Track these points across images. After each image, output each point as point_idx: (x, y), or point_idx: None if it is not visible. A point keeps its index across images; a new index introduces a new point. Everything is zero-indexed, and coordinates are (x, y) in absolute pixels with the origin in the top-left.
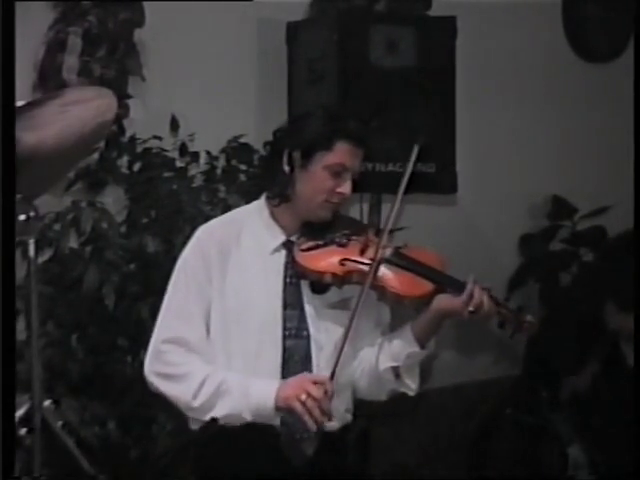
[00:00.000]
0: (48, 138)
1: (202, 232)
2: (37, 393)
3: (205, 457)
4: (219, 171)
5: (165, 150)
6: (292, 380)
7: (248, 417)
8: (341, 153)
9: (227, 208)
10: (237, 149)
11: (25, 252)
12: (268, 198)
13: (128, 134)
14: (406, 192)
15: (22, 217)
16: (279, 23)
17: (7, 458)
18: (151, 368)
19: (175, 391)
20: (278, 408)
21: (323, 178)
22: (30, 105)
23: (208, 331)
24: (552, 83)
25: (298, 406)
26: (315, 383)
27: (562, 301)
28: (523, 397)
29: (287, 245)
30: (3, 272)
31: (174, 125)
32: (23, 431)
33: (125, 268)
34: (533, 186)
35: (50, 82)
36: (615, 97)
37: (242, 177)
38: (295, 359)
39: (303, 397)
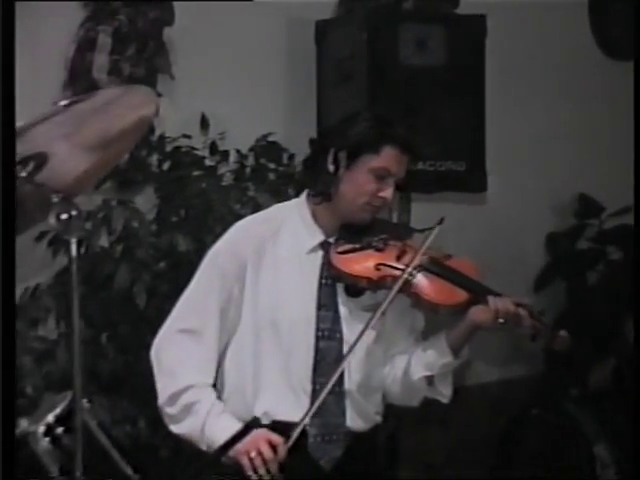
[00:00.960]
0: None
1: (237, 229)
2: (78, 392)
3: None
4: (248, 170)
5: (195, 149)
6: (250, 434)
7: (204, 448)
8: (387, 158)
9: (257, 206)
10: (266, 147)
11: (67, 251)
12: (309, 196)
13: (157, 133)
14: (436, 191)
15: (64, 216)
16: (308, 22)
17: (7, 458)
18: (155, 349)
19: (161, 384)
20: (227, 455)
21: (367, 181)
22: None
23: (232, 328)
24: (578, 81)
25: (245, 462)
26: (269, 443)
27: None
28: (548, 396)
29: (324, 246)
30: (3, 271)
31: (204, 124)
32: (60, 430)
33: (155, 267)
34: (560, 184)
35: (80, 81)
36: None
37: (271, 176)
38: (327, 361)
39: (253, 454)
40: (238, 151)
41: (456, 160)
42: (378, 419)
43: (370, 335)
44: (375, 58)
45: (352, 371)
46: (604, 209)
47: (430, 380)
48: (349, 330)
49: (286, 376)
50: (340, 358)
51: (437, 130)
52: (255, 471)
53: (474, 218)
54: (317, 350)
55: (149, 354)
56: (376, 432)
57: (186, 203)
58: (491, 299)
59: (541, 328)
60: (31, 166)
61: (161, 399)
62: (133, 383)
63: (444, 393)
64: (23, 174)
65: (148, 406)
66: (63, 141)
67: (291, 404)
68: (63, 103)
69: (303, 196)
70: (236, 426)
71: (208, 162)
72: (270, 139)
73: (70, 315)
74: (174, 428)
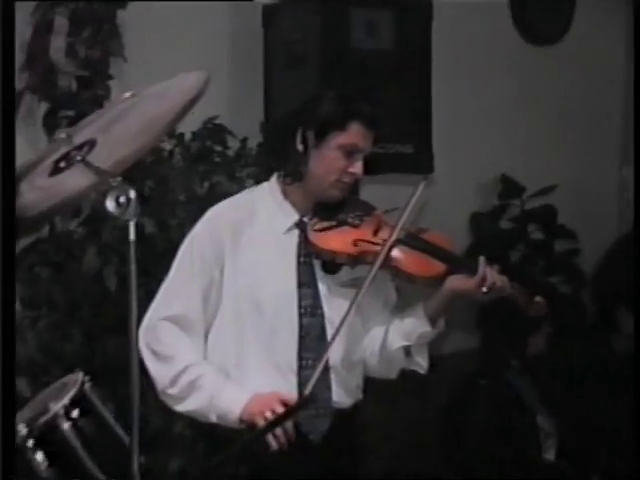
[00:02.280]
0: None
1: (213, 213)
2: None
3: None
4: (197, 152)
5: None
6: (262, 396)
7: (214, 419)
8: (354, 134)
9: (219, 189)
10: (212, 130)
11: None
12: (280, 177)
13: None
14: (385, 172)
15: (123, 199)
16: (254, 5)
17: (7, 458)
18: (144, 341)
19: (156, 371)
20: (242, 420)
21: (336, 158)
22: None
23: (213, 312)
24: (503, 66)
25: (261, 423)
26: (283, 402)
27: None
28: (493, 367)
29: (300, 225)
30: (3, 270)
31: None
32: (76, 413)
33: (123, 250)
34: (484, 166)
35: (38, 63)
36: (559, 78)
37: (217, 158)
38: (311, 337)
39: (268, 414)
40: (194, 133)
41: (404, 143)
42: (360, 395)
43: (350, 310)
44: (328, 42)
45: (335, 346)
46: (525, 189)
47: (408, 351)
48: (329, 306)
49: (271, 355)
50: (323, 334)
51: (387, 113)
52: (271, 428)
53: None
54: (301, 327)
55: (114, 337)
56: (359, 407)
57: (146, 186)
58: (480, 268)
59: (519, 295)
60: (84, 151)
61: (160, 385)
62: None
63: (421, 364)
64: (79, 158)
65: (116, 388)
66: (112, 127)
67: (278, 382)
68: (127, 95)
69: (274, 178)
70: (246, 391)
71: (164, 145)
72: (216, 122)
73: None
74: (179, 407)
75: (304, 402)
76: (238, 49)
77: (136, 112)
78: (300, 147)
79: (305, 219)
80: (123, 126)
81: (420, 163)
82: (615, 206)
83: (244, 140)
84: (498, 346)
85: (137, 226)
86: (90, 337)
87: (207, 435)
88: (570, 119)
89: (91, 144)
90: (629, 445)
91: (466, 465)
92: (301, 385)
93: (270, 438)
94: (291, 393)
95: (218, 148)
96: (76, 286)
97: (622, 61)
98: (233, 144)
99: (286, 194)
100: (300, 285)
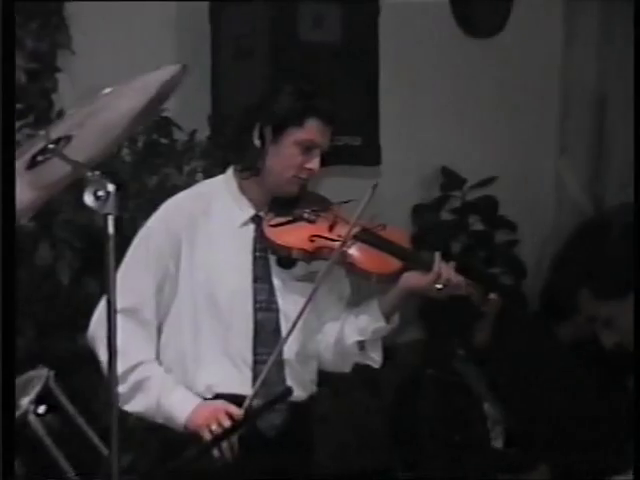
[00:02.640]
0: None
1: (169, 205)
2: None
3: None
4: (144, 146)
5: None
6: (208, 405)
7: (159, 420)
8: (312, 130)
9: (168, 183)
10: (158, 123)
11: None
12: (237, 171)
13: (57, 108)
14: (333, 164)
15: (101, 193)
16: None
17: (7, 458)
18: (95, 333)
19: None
20: (187, 428)
21: (293, 154)
22: None
23: (167, 305)
24: (443, 59)
25: (207, 435)
26: (228, 414)
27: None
28: (440, 357)
29: (255, 220)
30: (3, 268)
31: None
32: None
33: (76, 244)
34: (426, 158)
35: None
36: (498, 70)
37: (164, 151)
38: (266, 332)
39: (214, 427)
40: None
41: (352, 135)
42: (314, 388)
43: (306, 308)
44: (276, 35)
45: (289, 340)
46: (466, 181)
47: (362, 345)
48: (284, 301)
49: (226, 349)
50: (277, 329)
51: (336, 106)
52: (217, 443)
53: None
54: (256, 322)
55: (66, 332)
56: (313, 401)
57: None
58: (436, 265)
59: (474, 292)
60: (61, 145)
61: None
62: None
63: (375, 358)
64: (54, 151)
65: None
66: (87, 122)
67: (233, 376)
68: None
69: (230, 171)
70: (192, 398)
71: None
72: (163, 115)
73: None
74: (126, 407)
75: (251, 417)
76: (185, 42)
77: (110, 108)
78: (257, 142)
79: (261, 214)
80: (95, 122)
81: (368, 155)
82: (552, 197)
83: (192, 133)
84: (444, 336)
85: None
86: (42, 332)
87: (158, 432)
88: (509, 111)
89: (68, 139)
90: (579, 432)
91: (416, 454)
92: (256, 379)
93: (216, 451)
94: (243, 386)
95: (165, 141)
96: (28, 280)
97: (558, 52)
98: (181, 137)
99: (242, 188)
100: (255, 280)
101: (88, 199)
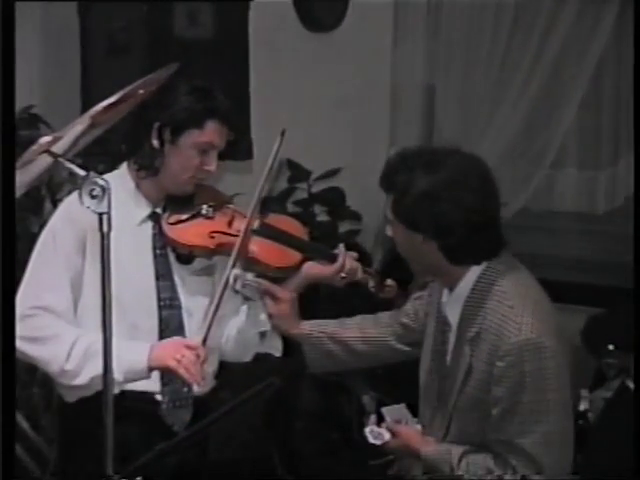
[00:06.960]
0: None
1: (71, 203)
2: None
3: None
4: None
5: None
6: (165, 342)
7: (120, 378)
8: (211, 132)
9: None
10: (27, 120)
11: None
12: (132, 169)
13: None
14: None
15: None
16: None
17: (7, 458)
18: (19, 334)
19: (45, 354)
20: (151, 368)
21: (191, 155)
22: None
23: (76, 301)
24: (289, 55)
25: (173, 363)
26: (188, 347)
27: None
28: None
29: (153, 217)
30: (3, 266)
31: None
32: None
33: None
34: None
35: None
36: (337, 64)
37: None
38: (171, 329)
39: (178, 356)
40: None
41: None
42: (214, 380)
43: (205, 300)
44: (153, 31)
45: (193, 336)
46: (311, 173)
47: (262, 334)
48: (185, 296)
49: None
50: (181, 326)
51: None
52: (187, 370)
53: (241, 186)
54: (160, 319)
55: None
56: (216, 394)
57: None
58: (341, 256)
59: (372, 279)
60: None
61: (56, 365)
62: None
63: (276, 346)
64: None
65: None
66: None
67: None
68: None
69: (123, 167)
70: (142, 344)
71: None
72: (32, 112)
73: None
74: (79, 380)
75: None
76: (51, 36)
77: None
78: (156, 143)
79: (158, 210)
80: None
81: (240, 150)
82: None
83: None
84: None
85: None
86: None
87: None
88: (347, 104)
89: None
90: None
91: (295, 448)
92: (163, 377)
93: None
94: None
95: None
96: None
97: (388, 46)
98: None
99: (138, 185)
100: (158, 277)
101: (85, 199)
